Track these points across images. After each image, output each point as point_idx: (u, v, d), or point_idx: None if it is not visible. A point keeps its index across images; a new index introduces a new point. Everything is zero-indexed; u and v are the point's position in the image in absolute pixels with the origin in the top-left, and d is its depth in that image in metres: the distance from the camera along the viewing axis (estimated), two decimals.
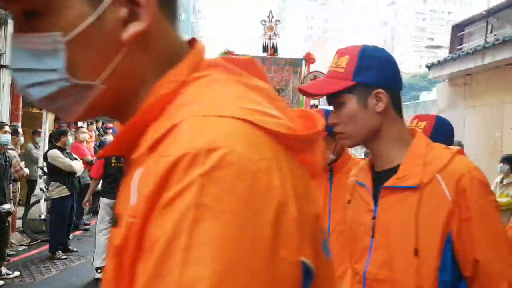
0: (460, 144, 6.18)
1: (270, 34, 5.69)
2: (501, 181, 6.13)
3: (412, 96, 38.10)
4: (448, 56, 10.38)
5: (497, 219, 1.36)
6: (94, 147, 10.09)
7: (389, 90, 1.38)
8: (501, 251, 1.35)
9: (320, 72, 5.36)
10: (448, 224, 1.31)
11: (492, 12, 9.74)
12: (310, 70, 5.74)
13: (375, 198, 1.43)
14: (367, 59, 1.38)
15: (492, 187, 6.28)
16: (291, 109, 0.68)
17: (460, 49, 10.42)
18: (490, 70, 9.04)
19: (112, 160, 6.04)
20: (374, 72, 1.38)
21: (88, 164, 8.42)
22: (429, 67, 11.29)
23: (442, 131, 1.91)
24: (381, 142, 1.42)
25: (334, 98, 1.41)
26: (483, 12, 10.14)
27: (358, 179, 1.53)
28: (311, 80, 5.19)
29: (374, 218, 1.42)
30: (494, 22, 9.57)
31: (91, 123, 10.86)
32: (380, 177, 1.43)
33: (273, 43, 5.74)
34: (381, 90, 1.37)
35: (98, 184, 6.28)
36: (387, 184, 1.38)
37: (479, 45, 9.04)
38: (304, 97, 5.36)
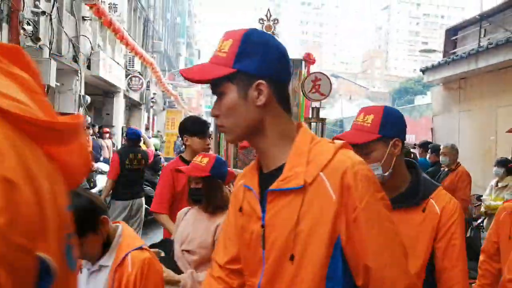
0: (453, 148, 6.23)
1: None
2: (496, 184, 6.16)
3: (407, 100, 38.20)
4: (442, 60, 10.44)
5: (386, 219, 1.22)
6: (91, 152, 10.08)
7: (272, 82, 1.24)
8: (393, 254, 1.22)
9: (321, 73, 5.23)
10: (335, 227, 1.18)
11: (485, 17, 9.82)
12: (310, 71, 5.45)
13: (263, 203, 1.27)
14: (250, 45, 1.22)
15: (487, 191, 6.31)
16: (49, 106, 0.64)
17: (454, 53, 10.48)
18: (484, 74, 9.10)
19: (126, 162, 5.99)
20: (256, 60, 1.22)
21: None
22: (424, 71, 11.36)
23: (392, 124, 1.80)
24: (265, 140, 1.28)
25: (215, 87, 1.26)
26: (476, 16, 10.22)
27: (245, 182, 1.36)
28: (312, 81, 5.07)
29: (263, 226, 1.26)
30: (487, 26, 9.64)
31: (87, 128, 10.83)
32: (267, 179, 1.28)
33: None
34: (262, 81, 1.22)
35: (113, 185, 6.21)
36: (272, 187, 1.24)
37: (472, 49, 9.11)
38: (305, 99, 5.20)
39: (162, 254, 2.52)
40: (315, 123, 4.96)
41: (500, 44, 8.11)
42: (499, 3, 9.87)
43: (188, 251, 2.52)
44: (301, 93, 5.14)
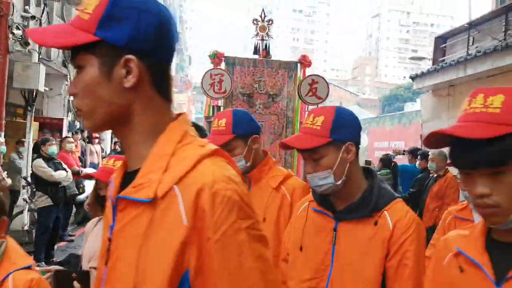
0: (441, 154, 6.27)
1: (262, 35, 5.29)
2: None
3: (396, 107, 38.44)
4: (431, 68, 10.53)
5: (250, 257, 0.92)
6: (79, 157, 10.01)
7: (146, 59, 0.97)
8: None
9: (318, 75, 5.18)
10: (183, 258, 0.89)
11: (473, 25, 9.92)
12: (306, 74, 5.33)
13: (115, 211, 1.00)
14: (121, 7, 0.95)
15: None
16: None
17: (443, 60, 10.58)
18: (472, 81, 9.18)
19: None
20: (127, 28, 0.94)
21: (74, 174, 8.34)
22: (413, 78, 11.44)
23: (344, 126, 1.61)
24: (130, 133, 1.01)
25: (75, 57, 1.00)
26: (465, 25, 10.32)
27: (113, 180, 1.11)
28: (308, 84, 4.97)
29: (109, 239, 1.00)
30: (475, 34, 9.74)
31: (76, 133, 10.77)
32: (127, 181, 1.00)
33: (266, 45, 5.32)
34: (132, 57, 0.95)
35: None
36: (121, 193, 0.97)
37: (461, 57, 9.20)
38: (300, 102, 5.18)
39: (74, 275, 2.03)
40: None
41: (488, 52, 8.19)
42: (486, 12, 9.99)
43: (95, 268, 2.09)
44: (297, 96, 5.07)
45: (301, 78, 5.19)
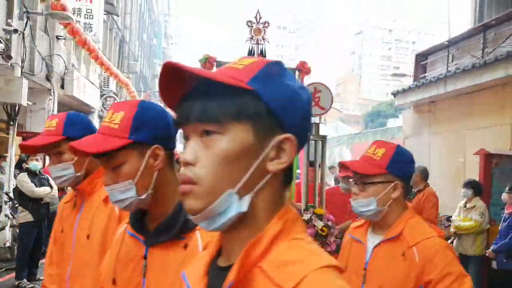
0: (417, 169, 6.38)
1: (257, 38, 4.64)
2: (464, 205, 6.28)
3: (379, 123, 38.79)
4: (412, 84, 10.68)
5: None
6: None
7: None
8: None
9: (321, 83, 4.68)
10: None
11: (452, 43, 10.12)
12: (306, 82, 4.75)
13: None
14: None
15: (456, 212, 6.42)
16: None
17: (424, 77, 10.75)
18: (452, 97, 9.34)
19: None
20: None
21: (60, 190, 8.24)
22: (395, 94, 11.59)
23: (149, 126, 1.32)
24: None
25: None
26: (445, 43, 10.52)
27: None
28: (311, 93, 4.94)
29: None
30: (454, 52, 9.94)
31: None
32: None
33: (261, 49, 4.64)
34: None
35: None
36: None
37: (441, 74, 9.36)
38: None
39: None
40: (314, 142, 4.48)
41: (467, 70, 8.35)
42: (465, 31, 10.21)
43: None
44: None
45: None
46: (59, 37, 12.01)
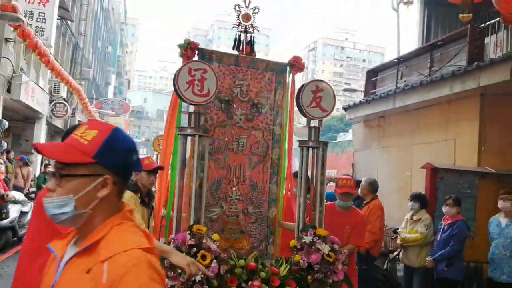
0: (372, 182, 6.40)
1: (246, 26, 3.97)
2: (411, 218, 6.34)
3: (330, 136, 39.41)
4: (363, 100, 10.85)
5: None
6: (4, 179, 9.36)
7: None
8: None
9: (323, 81, 3.93)
10: None
11: (401, 61, 10.38)
12: (299, 80, 4.01)
13: None
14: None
15: (403, 224, 6.48)
16: None
17: (374, 93, 10.95)
18: (401, 113, 9.54)
19: None
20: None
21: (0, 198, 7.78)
22: (346, 109, 11.76)
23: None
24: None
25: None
26: (394, 60, 10.78)
27: None
28: (312, 92, 3.75)
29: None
30: (403, 69, 10.18)
31: (2, 153, 10.09)
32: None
33: (250, 38, 4.01)
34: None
35: None
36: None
37: (390, 90, 9.55)
38: (289, 116, 4.06)
39: None
40: (312, 149, 3.78)
41: (415, 87, 8.55)
42: (413, 49, 10.50)
43: None
44: (286, 108, 3.97)
45: (291, 85, 4.01)
46: (9, 40, 11.49)
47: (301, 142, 3.83)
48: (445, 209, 5.92)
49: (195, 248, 3.03)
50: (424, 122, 8.85)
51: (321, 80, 3.98)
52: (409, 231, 6.26)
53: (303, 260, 3.38)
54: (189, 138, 3.42)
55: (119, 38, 40.09)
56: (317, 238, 3.46)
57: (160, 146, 5.69)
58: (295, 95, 3.85)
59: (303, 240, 3.46)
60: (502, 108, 7.25)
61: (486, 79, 6.99)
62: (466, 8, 7.81)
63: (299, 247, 3.46)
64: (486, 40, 8.15)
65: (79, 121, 21.13)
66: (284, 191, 4.07)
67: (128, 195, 3.90)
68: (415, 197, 6.31)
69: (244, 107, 3.92)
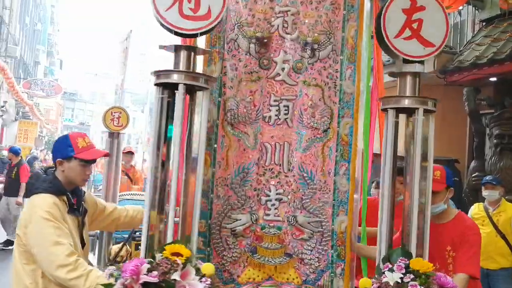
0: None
1: None
2: None
3: None
4: None
5: None
6: None
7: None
8: None
9: None
10: None
11: None
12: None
13: None
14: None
15: None
16: None
17: None
18: None
19: None
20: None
21: None
22: None
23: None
24: None
25: None
26: None
27: None
28: (403, 11, 1.97)
29: None
30: None
31: None
32: None
33: None
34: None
35: None
36: None
37: None
38: (374, 67, 2.53)
39: None
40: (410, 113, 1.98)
41: None
42: None
43: None
44: (361, 49, 2.37)
45: (373, 8, 2.42)
46: None
47: (384, 101, 2.03)
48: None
49: None
50: None
51: None
52: None
53: None
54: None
55: (49, 15, 36.22)
56: (411, 275, 1.74)
57: (115, 121, 3.83)
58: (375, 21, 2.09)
59: (384, 281, 1.76)
60: None
61: None
62: None
63: None
64: None
65: (4, 101, 18.42)
66: (366, 189, 2.41)
67: (46, 202, 2.08)
68: None
69: (291, 50, 2.33)
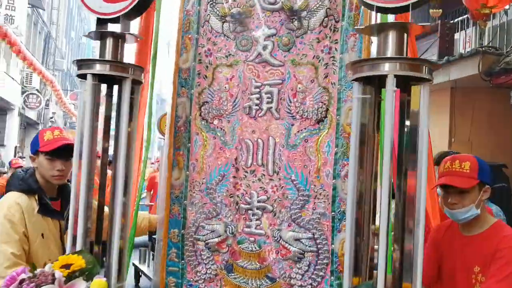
0: None
1: None
2: None
3: None
4: None
5: None
6: None
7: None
8: None
9: None
10: None
11: None
12: None
13: None
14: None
15: None
16: None
17: None
18: None
19: None
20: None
21: None
22: None
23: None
24: None
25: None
26: None
27: None
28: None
29: None
30: None
31: None
32: None
33: None
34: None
35: None
36: None
37: None
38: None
39: None
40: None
41: None
42: None
43: None
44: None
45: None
46: None
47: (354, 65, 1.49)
48: None
49: None
50: None
51: None
52: None
53: None
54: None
55: (93, 29, 37.52)
56: None
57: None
58: None
59: None
60: (471, 100, 7.17)
61: (456, 73, 6.91)
62: (436, 4, 7.51)
63: None
64: (456, 36, 8.02)
65: (53, 113, 19.36)
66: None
67: (8, 201, 1.94)
68: None
69: (274, 23, 1.85)
